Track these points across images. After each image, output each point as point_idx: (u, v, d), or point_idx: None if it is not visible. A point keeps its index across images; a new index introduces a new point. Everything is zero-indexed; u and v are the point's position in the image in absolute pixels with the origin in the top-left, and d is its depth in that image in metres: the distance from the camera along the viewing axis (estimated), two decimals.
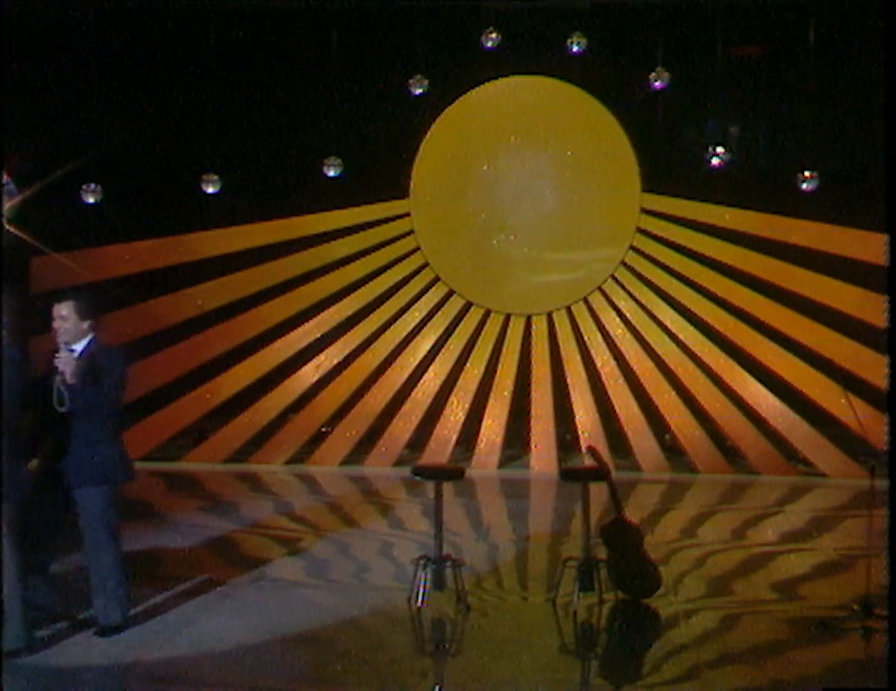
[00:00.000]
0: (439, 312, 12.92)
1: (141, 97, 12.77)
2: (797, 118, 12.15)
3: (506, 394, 12.67)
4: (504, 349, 12.77)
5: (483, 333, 12.84)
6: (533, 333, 12.79)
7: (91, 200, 12.79)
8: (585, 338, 12.64)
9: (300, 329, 12.85)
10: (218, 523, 9.51)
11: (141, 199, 13.03)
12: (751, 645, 6.11)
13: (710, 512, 10.30)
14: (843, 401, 7.28)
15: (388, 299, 12.91)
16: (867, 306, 11.58)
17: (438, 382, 12.76)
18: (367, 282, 12.93)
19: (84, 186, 12.73)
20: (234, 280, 12.84)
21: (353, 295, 12.92)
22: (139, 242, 13.06)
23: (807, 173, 12.01)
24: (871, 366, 11.45)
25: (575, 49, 12.43)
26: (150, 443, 12.76)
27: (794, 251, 12.14)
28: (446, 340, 12.85)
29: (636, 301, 12.59)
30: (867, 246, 11.65)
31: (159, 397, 12.82)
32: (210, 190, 12.87)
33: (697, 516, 10.04)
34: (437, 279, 12.93)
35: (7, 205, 10.96)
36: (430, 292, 12.92)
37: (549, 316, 12.76)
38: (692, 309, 12.42)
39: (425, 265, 12.96)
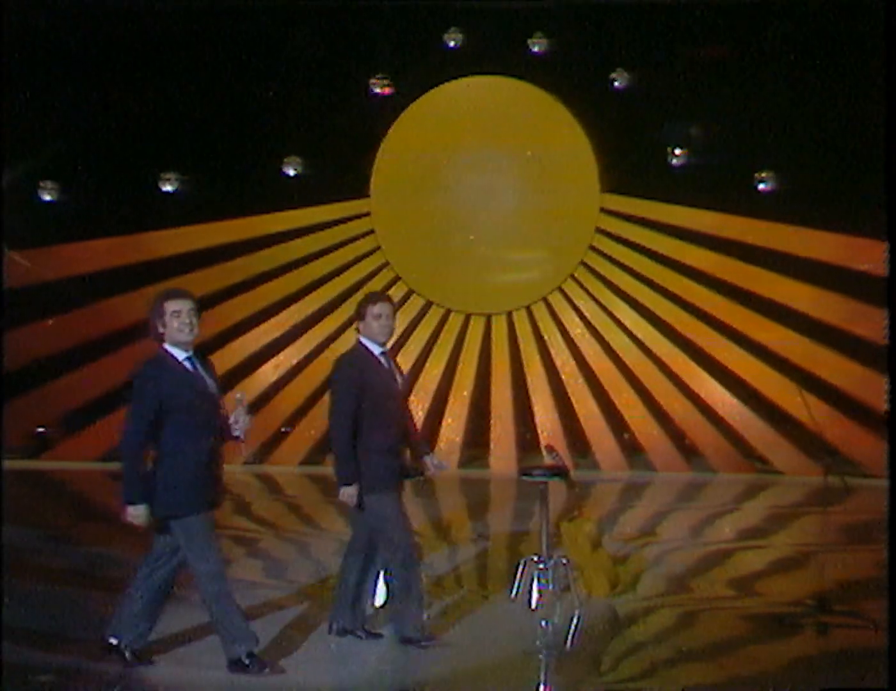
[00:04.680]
0: (399, 312, 12.83)
1: (99, 95, 12.64)
2: (757, 119, 12.24)
3: (465, 393, 12.68)
4: (464, 349, 12.78)
5: (443, 333, 12.85)
6: (493, 333, 12.81)
7: (48, 198, 12.64)
8: (545, 338, 12.68)
9: (259, 328, 12.78)
10: None
11: (99, 197, 12.89)
12: (708, 642, 6.15)
13: (669, 510, 10.37)
14: (798, 399, 7.35)
15: (347, 299, 12.86)
16: (823, 305, 11.74)
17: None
18: (326, 282, 12.89)
19: (41, 184, 12.57)
20: (193, 279, 12.72)
21: (312, 294, 12.88)
22: (97, 241, 12.93)
23: (763, 173, 12.13)
24: (826, 364, 11.63)
25: (536, 49, 12.48)
26: (111, 443, 12.62)
27: (751, 250, 12.23)
28: (406, 340, 12.83)
29: (595, 301, 12.64)
30: (823, 245, 11.82)
31: (119, 397, 12.69)
32: (168, 188, 12.76)
33: (656, 514, 10.11)
34: (397, 279, 12.92)
35: None
36: (389, 291, 12.87)
37: (509, 315, 12.79)
38: (651, 308, 12.49)
39: (385, 265, 12.94)
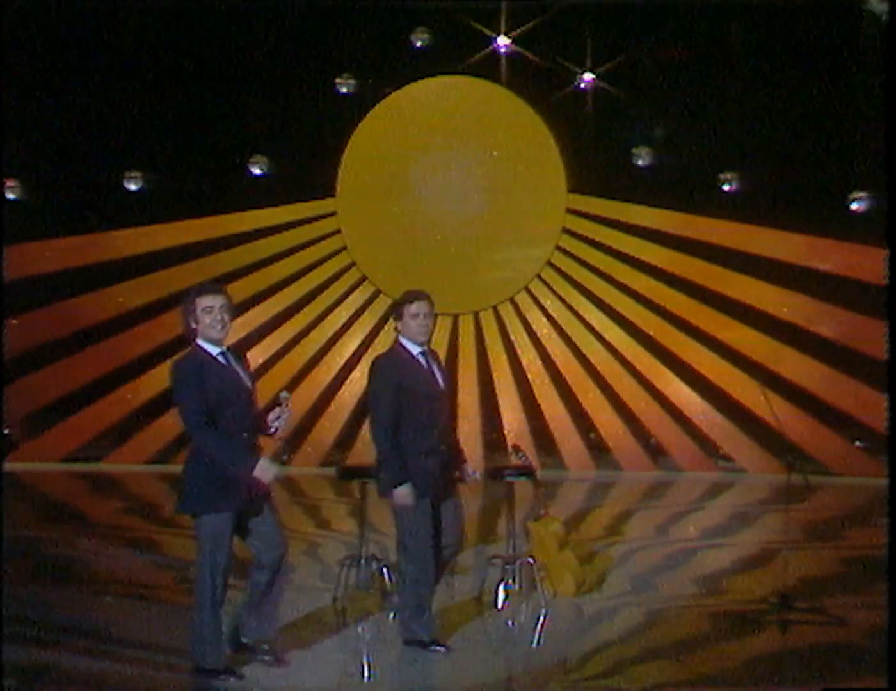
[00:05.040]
0: (366, 312, 12.89)
1: (63, 92, 12.52)
2: (721, 120, 12.35)
3: None
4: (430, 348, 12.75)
5: None
6: (460, 333, 12.81)
7: (10, 196, 12.51)
8: (512, 338, 12.71)
9: None
10: (140, 524, 9.39)
11: (62, 195, 12.78)
12: (673, 640, 6.18)
13: (635, 509, 10.42)
14: (761, 397, 7.42)
15: (314, 298, 12.84)
16: (785, 305, 11.86)
17: (365, 382, 12.67)
18: (293, 282, 12.85)
19: (3, 182, 12.44)
20: (158, 279, 12.67)
21: (278, 294, 12.84)
22: (60, 239, 12.82)
23: (727, 174, 12.24)
24: (789, 363, 11.76)
25: (502, 50, 12.51)
26: (73, 444, 12.55)
27: (716, 250, 12.32)
28: (373, 340, 12.81)
29: (562, 301, 12.69)
30: (786, 246, 11.95)
31: (81, 397, 12.60)
32: (133, 187, 12.68)
33: (622, 513, 10.15)
34: (363, 279, 12.91)
35: None
36: (356, 292, 12.89)
37: (476, 315, 12.81)
38: (617, 308, 12.55)
39: (352, 264, 12.92)
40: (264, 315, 12.80)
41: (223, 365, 5.28)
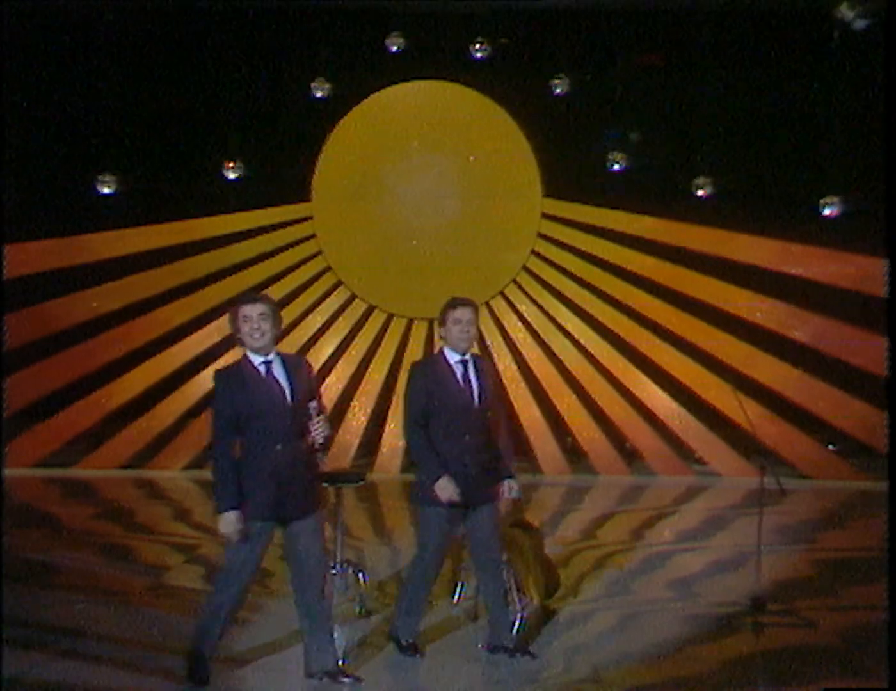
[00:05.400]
0: (341, 316, 12.87)
1: (35, 94, 12.45)
2: (695, 125, 12.43)
3: None
4: (406, 353, 12.77)
5: (385, 338, 12.84)
6: (435, 338, 12.82)
7: None
8: (487, 342, 12.72)
9: (199, 333, 12.66)
10: (114, 530, 9.34)
11: (36, 199, 12.69)
12: (647, 644, 6.22)
13: (610, 513, 10.45)
14: (735, 401, 7.47)
15: (289, 303, 12.81)
16: (758, 309, 11.96)
17: (340, 387, 12.71)
18: (268, 286, 12.80)
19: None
20: (132, 282, 12.61)
21: None
22: (33, 243, 12.73)
23: (701, 179, 12.32)
24: (761, 367, 11.85)
25: (478, 55, 12.54)
26: (46, 449, 12.46)
27: (690, 255, 12.39)
28: (348, 345, 12.81)
29: (537, 305, 12.72)
30: (760, 250, 12.05)
31: (54, 402, 12.52)
32: (106, 190, 12.62)
33: (597, 517, 10.18)
34: (339, 283, 12.89)
35: None
36: (331, 296, 12.86)
37: None
38: (592, 313, 12.59)
39: (327, 269, 12.91)
40: None
41: (262, 376, 5.26)
